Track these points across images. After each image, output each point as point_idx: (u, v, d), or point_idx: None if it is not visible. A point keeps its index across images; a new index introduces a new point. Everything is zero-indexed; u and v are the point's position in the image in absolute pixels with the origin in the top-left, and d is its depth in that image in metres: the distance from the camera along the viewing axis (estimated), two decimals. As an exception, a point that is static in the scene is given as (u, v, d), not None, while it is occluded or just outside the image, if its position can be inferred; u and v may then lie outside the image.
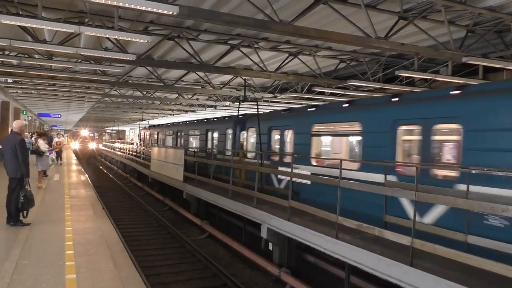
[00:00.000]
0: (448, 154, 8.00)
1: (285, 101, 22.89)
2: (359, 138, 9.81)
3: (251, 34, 12.34)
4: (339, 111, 11.05)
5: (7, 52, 13.84)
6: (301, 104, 22.34)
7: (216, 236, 12.87)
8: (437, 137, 7.87)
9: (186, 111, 32.30)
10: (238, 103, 16.56)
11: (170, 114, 36.49)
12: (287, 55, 14.51)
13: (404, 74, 12.62)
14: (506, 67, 11.21)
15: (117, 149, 37.88)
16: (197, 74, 18.55)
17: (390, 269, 5.93)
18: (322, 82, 16.03)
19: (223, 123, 17.66)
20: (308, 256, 9.58)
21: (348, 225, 7.10)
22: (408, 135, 8.62)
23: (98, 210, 10.42)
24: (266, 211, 9.42)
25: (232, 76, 18.00)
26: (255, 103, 14.40)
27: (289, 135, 12.49)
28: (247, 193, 10.80)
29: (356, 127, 9.69)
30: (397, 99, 9.18)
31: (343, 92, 18.44)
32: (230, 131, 16.43)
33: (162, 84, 18.71)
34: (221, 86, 19.85)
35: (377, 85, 15.51)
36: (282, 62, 14.87)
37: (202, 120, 22.40)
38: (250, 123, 14.95)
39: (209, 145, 18.46)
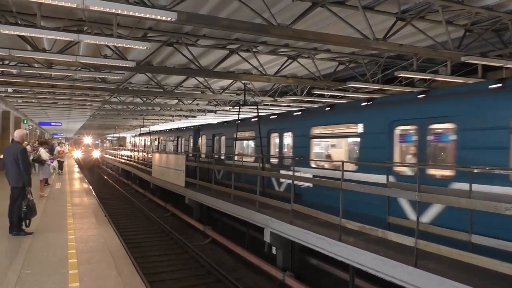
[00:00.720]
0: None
1: (285, 104, 22.90)
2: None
3: (250, 38, 12.37)
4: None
5: (6, 62, 13.88)
6: (301, 106, 22.35)
7: (219, 241, 12.84)
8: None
9: (187, 117, 32.34)
10: (238, 108, 16.57)
11: (171, 120, 36.52)
12: (286, 58, 14.54)
13: (403, 74, 12.63)
14: (505, 66, 11.21)
15: (123, 157, 36.74)
16: (197, 79, 18.59)
17: (395, 270, 5.91)
18: (322, 85, 16.04)
19: (187, 131, 22.84)
20: (311, 259, 9.55)
21: (351, 227, 7.09)
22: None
23: (100, 218, 10.42)
24: (268, 215, 9.42)
25: (232, 80, 18.03)
26: (255, 107, 14.41)
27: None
28: (249, 197, 10.80)
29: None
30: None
31: (342, 94, 18.45)
32: (191, 138, 21.46)
33: (162, 90, 18.75)
34: (221, 90, 19.87)
35: (376, 86, 15.52)
36: (281, 66, 14.90)
37: (177, 128, 28.38)
38: (203, 131, 20.15)
39: (179, 149, 23.74)
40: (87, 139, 56.82)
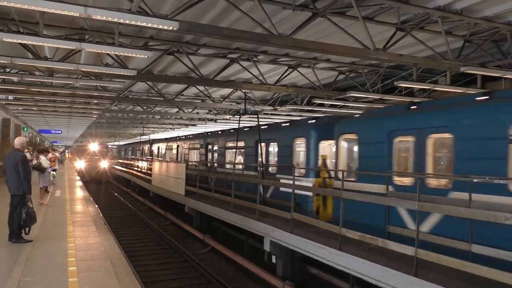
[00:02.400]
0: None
1: (285, 113, 22.96)
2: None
3: (250, 47, 12.44)
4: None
5: (8, 70, 13.94)
6: (301, 116, 22.39)
7: (219, 250, 12.80)
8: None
9: (187, 125, 32.40)
10: (238, 117, 16.62)
11: (171, 129, 36.59)
12: (286, 67, 14.61)
13: (403, 84, 12.69)
14: (504, 76, 11.27)
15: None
16: (197, 88, 18.65)
17: (395, 280, 5.90)
18: (322, 94, 16.10)
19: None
20: (311, 268, 9.52)
21: (351, 236, 7.09)
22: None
23: (100, 226, 10.39)
24: (268, 224, 9.40)
25: (232, 89, 18.09)
26: (256, 116, 14.46)
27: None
28: (248, 205, 10.79)
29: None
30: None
31: (342, 104, 18.52)
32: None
33: (162, 98, 18.80)
34: (221, 99, 19.93)
35: (376, 96, 15.58)
36: (282, 75, 14.96)
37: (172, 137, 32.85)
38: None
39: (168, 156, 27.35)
40: (93, 146, 43.94)
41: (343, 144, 10.05)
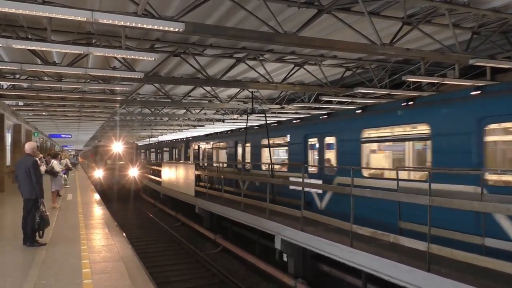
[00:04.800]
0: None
1: (293, 111, 22.93)
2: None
3: (256, 46, 12.44)
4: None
5: (18, 76, 14.11)
6: (308, 113, 22.35)
7: (230, 249, 12.83)
8: None
9: (195, 126, 32.50)
10: (246, 116, 16.62)
11: (179, 130, 36.71)
12: (293, 65, 14.59)
13: (411, 79, 12.61)
14: (514, 67, 11.16)
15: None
16: (204, 89, 18.71)
17: (408, 275, 5.87)
18: (329, 91, 16.05)
19: (181, 142, 27.01)
20: (323, 265, 9.50)
21: (362, 232, 7.06)
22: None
23: (112, 228, 10.47)
24: (279, 222, 9.41)
25: (239, 89, 18.12)
26: (263, 115, 14.44)
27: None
28: (258, 205, 10.80)
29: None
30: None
31: (350, 100, 18.44)
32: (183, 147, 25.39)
33: (170, 100, 18.89)
34: (228, 99, 19.96)
35: (384, 91, 15.50)
36: (288, 73, 14.95)
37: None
38: (191, 142, 24.38)
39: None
40: (117, 146, 27.38)
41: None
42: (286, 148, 13.72)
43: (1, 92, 16.52)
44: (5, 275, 6.35)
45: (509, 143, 7.44)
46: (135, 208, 24.45)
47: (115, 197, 24.57)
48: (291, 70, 14.80)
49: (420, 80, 13.61)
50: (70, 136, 43.23)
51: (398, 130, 9.41)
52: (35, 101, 18.44)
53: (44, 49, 9.55)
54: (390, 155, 10.65)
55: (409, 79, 12.67)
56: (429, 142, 8.02)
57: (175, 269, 11.77)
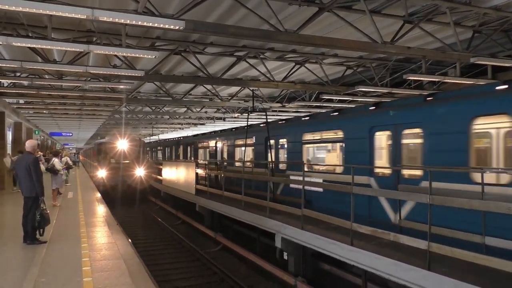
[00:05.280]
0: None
1: (293, 110, 22.92)
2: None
3: (257, 45, 12.42)
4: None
5: (18, 74, 14.10)
6: (309, 112, 22.34)
7: (230, 248, 12.83)
8: None
9: (195, 125, 32.50)
10: (247, 114, 16.62)
11: (180, 128, 36.73)
12: (294, 64, 14.57)
13: (412, 77, 12.59)
14: (515, 66, 11.14)
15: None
16: (205, 87, 18.69)
17: (408, 274, 5.86)
18: (330, 90, 16.03)
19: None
20: (323, 264, 9.51)
21: (363, 231, 7.06)
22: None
23: (112, 226, 10.47)
24: (279, 221, 9.41)
25: (240, 87, 18.10)
26: (264, 114, 14.46)
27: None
28: (259, 203, 10.81)
29: None
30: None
31: (351, 99, 18.42)
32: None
33: (171, 98, 18.88)
34: (229, 98, 19.95)
35: (385, 90, 15.47)
36: (289, 71, 14.93)
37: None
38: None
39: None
40: (122, 144, 24.97)
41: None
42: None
43: (2, 90, 16.51)
44: (5, 272, 6.36)
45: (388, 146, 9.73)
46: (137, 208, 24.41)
47: (120, 199, 21.85)
48: (292, 69, 14.78)
49: (421, 78, 13.59)
50: (71, 134, 43.29)
51: None
52: (36, 99, 18.47)
53: (44, 47, 9.53)
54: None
55: (410, 78, 12.65)
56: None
57: (175, 267, 11.77)
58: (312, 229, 8.36)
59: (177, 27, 7.43)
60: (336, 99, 18.84)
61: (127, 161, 24.13)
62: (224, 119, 27.25)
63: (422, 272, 5.64)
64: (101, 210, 13.02)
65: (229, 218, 12.81)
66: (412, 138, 9.10)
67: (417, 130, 8.59)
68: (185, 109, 24.39)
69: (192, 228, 16.70)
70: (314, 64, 14.58)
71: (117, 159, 24.22)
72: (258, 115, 22.53)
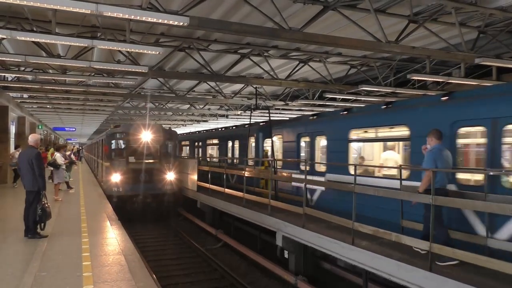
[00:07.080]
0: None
1: (297, 108, 22.90)
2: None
3: (261, 42, 12.41)
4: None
5: (22, 68, 14.13)
6: (312, 110, 22.32)
7: (231, 245, 12.84)
8: None
9: (198, 121, 32.51)
10: (250, 112, 16.58)
11: (182, 125, 36.78)
12: (297, 62, 14.54)
13: (416, 77, 12.54)
14: (520, 67, 11.07)
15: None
16: (208, 84, 18.69)
17: (409, 274, 5.84)
18: (333, 88, 16.01)
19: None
20: (324, 263, 9.50)
21: (364, 231, 7.03)
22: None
23: (113, 221, 10.49)
24: (280, 219, 9.40)
25: (243, 85, 18.09)
26: (267, 111, 14.43)
27: None
28: (260, 201, 10.80)
29: None
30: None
31: (354, 98, 18.38)
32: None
33: (174, 95, 18.89)
34: (232, 95, 19.95)
35: (388, 90, 15.43)
36: (293, 70, 14.90)
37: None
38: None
39: None
40: (146, 135, 16.50)
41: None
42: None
43: (6, 84, 16.56)
44: (6, 266, 6.38)
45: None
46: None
47: (141, 214, 16.21)
48: (295, 67, 14.76)
49: (425, 78, 13.54)
50: (74, 129, 43.37)
51: None
52: (40, 94, 18.50)
53: (48, 41, 9.53)
54: None
55: (414, 78, 12.61)
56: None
57: (176, 263, 11.79)
58: (313, 227, 8.33)
59: (181, 23, 7.42)
60: (340, 98, 18.81)
61: (154, 161, 16.83)
62: (227, 116, 27.25)
63: (423, 273, 5.61)
64: (102, 205, 13.03)
65: (230, 215, 12.81)
66: None
67: None
68: (188, 105, 24.40)
69: (193, 225, 16.69)
70: (318, 63, 14.56)
71: (139, 157, 16.47)
72: (261, 112, 22.52)
